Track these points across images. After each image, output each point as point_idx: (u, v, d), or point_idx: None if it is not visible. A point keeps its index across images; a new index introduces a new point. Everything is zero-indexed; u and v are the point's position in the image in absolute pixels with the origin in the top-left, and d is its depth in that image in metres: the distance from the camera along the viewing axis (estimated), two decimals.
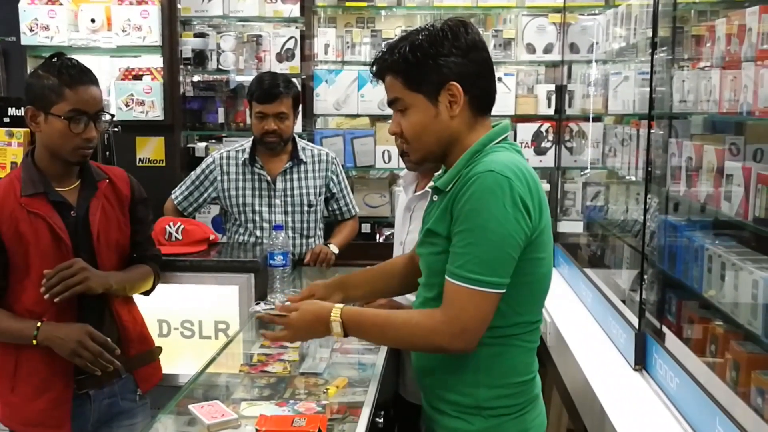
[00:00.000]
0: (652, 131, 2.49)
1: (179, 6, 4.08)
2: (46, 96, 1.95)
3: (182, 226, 2.84)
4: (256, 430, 1.61)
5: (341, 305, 1.65)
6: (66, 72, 1.96)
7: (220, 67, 4.15)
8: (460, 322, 1.50)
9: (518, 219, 1.48)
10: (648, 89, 2.46)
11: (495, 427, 1.63)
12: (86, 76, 1.99)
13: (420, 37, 1.57)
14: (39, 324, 1.93)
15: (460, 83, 1.54)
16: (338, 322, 1.61)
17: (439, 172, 1.73)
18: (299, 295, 1.91)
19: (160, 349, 2.26)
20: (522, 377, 1.64)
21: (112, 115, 2.10)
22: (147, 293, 2.27)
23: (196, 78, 4.25)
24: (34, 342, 1.92)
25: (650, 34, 2.44)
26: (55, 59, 2.01)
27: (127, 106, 3.99)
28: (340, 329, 1.61)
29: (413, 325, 1.57)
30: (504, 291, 1.51)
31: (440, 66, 1.54)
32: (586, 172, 3.96)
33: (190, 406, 1.75)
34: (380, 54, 1.64)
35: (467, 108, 1.58)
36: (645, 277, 2.46)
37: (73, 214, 2.02)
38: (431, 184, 1.67)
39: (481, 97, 1.60)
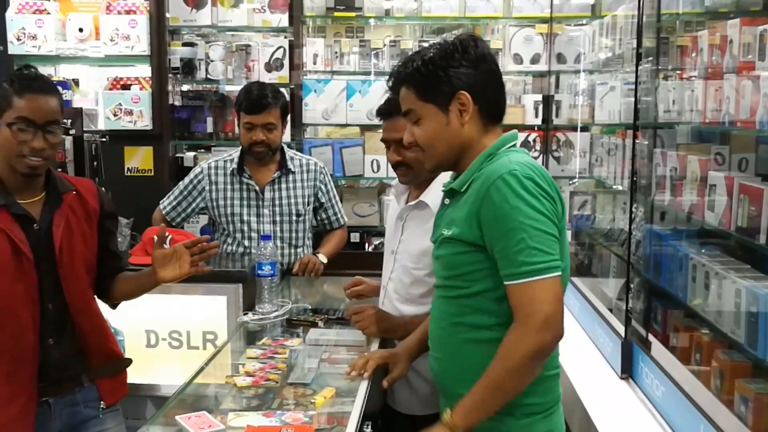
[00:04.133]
0: (637, 141, 2.51)
1: (168, 15, 4.08)
2: (0, 104, 1.92)
3: (170, 236, 2.83)
4: None
5: (447, 416, 1.60)
6: (17, 80, 1.93)
7: (208, 76, 4.16)
8: (537, 315, 1.51)
9: (549, 207, 1.56)
10: (633, 99, 2.49)
11: (526, 426, 1.64)
12: (38, 84, 1.94)
13: (432, 51, 1.67)
14: None
15: (469, 92, 1.63)
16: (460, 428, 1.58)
17: (448, 179, 1.80)
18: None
19: (128, 361, 2.21)
20: (549, 371, 1.67)
21: (67, 129, 2.07)
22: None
23: (185, 87, 4.25)
24: None
25: (635, 44, 2.47)
26: (19, 69, 1.99)
27: (115, 115, 3.98)
28: None
29: (501, 357, 1.55)
30: (561, 273, 1.55)
31: (450, 77, 1.63)
32: (573, 181, 3.99)
33: (177, 417, 1.75)
34: (396, 68, 1.73)
35: (477, 117, 1.66)
36: (631, 286, 2.48)
37: (36, 227, 1.97)
38: (446, 183, 1.74)
39: (491, 106, 1.68)
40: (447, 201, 1.74)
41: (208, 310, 2.76)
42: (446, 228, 1.68)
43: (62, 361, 2.00)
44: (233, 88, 4.10)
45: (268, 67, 4.14)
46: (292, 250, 3.11)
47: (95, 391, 2.10)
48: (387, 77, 1.82)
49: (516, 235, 1.52)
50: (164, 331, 2.79)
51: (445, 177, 2.30)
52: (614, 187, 3.08)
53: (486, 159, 1.65)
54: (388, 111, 2.26)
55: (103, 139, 3.21)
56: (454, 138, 1.67)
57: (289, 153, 3.16)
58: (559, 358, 1.74)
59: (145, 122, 4.01)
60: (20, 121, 1.91)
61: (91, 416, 2.10)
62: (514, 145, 1.71)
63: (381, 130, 2.33)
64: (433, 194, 2.28)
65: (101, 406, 2.12)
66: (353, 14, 4.17)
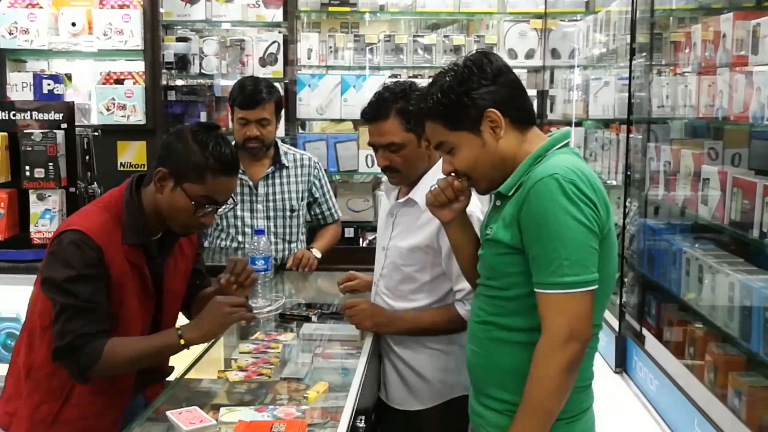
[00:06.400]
0: (631, 136, 2.52)
1: (161, 10, 4.06)
2: (186, 169, 1.84)
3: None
4: None
5: None
6: (217, 157, 1.84)
7: (202, 71, 4.14)
8: (562, 329, 1.48)
9: (589, 214, 1.49)
10: (627, 94, 2.49)
11: None
12: (234, 168, 1.91)
13: (447, 78, 1.63)
14: (177, 327, 1.85)
15: (497, 108, 1.60)
16: None
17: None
18: None
19: (172, 368, 2.18)
20: (577, 383, 1.57)
21: (236, 202, 2.04)
22: None
23: (179, 82, 4.23)
24: (182, 342, 1.85)
25: (629, 40, 2.47)
26: (210, 133, 1.88)
27: (108, 110, 3.96)
28: None
29: (536, 381, 1.51)
30: (597, 286, 1.50)
31: (474, 99, 1.60)
32: None
33: (168, 412, 1.73)
34: (415, 104, 1.69)
35: (511, 128, 1.62)
36: (625, 280, 2.49)
37: (155, 264, 1.96)
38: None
39: (520, 114, 1.65)
40: (498, 203, 1.67)
41: None
42: (489, 228, 1.64)
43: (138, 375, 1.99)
44: (227, 83, 4.09)
45: (263, 62, 4.13)
46: (286, 246, 3.10)
47: (142, 399, 2.07)
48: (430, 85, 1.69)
49: (550, 243, 1.48)
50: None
51: (433, 174, 2.29)
52: (608, 181, 3.08)
53: (534, 162, 1.60)
54: (372, 115, 2.24)
55: (96, 134, 3.19)
56: (493, 156, 1.63)
57: (283, 148, 3.15)
58: (590, 370, 1.67)
59: (138, 117, 3.99)
60: (207, 200, 1.86)
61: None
62: (567, 144, 1.66)
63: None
64: (422, 191, 2.26)
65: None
66: (348, 9, 4.16)
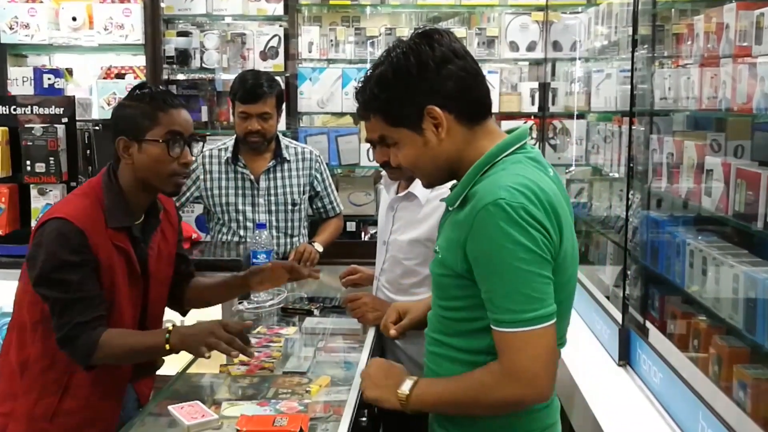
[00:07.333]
0: (633, 128, 2.50)
1: (162, 4, 4.05)
2: (139, 123, 1.87)
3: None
4: (237, 430, 1.60)
5: (413, 380, 1.54)
6: (157, 97, 1.89)
7: (203, 65, 4.14)
8: (524, 372, 1.36)
9: (541, 240, 1.37)
10: (629, 86, 2.48)
11: None
12: (177, 99, 1.94)
13: (384, 68, 1.46)
14: (169, 328, 1.83)
15: (439, 105, 1.43)
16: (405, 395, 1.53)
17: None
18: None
19: (162, 361, 2.17)
20: (537, 405, 1.49)
21: (204, 139, 2.02)
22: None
23: (180, 77, 4.23)
24: (167, 347, 1.81)
25: (631, 32, 2.46)
26: (138, 91, 1.93)
27: (109, 104, 3.96)
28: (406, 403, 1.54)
29: (476, 385, 1.43)
30: (555, 320, 1.39)
31: (412, 94, 1.44)
32: (570, 169, 3.98)
33: (170, 407, 1.74)
34: (355, 94, 1.57)
35: (457, 124, 1.46)
36: (628, 272, 2.48)
37: (140, 248, 1.96)
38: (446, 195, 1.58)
39: (469, 108, 1.47)
40: (450, 208, 1.53)
41: None
42: (440, 243, 1.52)
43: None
44: (228, 77, 4.08)
45: (263, 56, 4.12)
46: (288, 240, 3.10)
47: (133, 392, 2.08)
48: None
49: (502, 278, 1.36)
50: None
51: None
52: (611, 174, 3.07)
53: (481, 170, 1.45)
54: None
55: (97, 128, 3.18)
56: (436, 156, 1.47)
57: (284, 141, 3.15)
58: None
59: None
60: (171, 135, 1.87)
61: (130, 417, 2.08)
62: (524, 145, 1.49)
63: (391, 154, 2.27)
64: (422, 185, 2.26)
65: (138, 407, 2.09)
66: (348, 2, 4.16)
